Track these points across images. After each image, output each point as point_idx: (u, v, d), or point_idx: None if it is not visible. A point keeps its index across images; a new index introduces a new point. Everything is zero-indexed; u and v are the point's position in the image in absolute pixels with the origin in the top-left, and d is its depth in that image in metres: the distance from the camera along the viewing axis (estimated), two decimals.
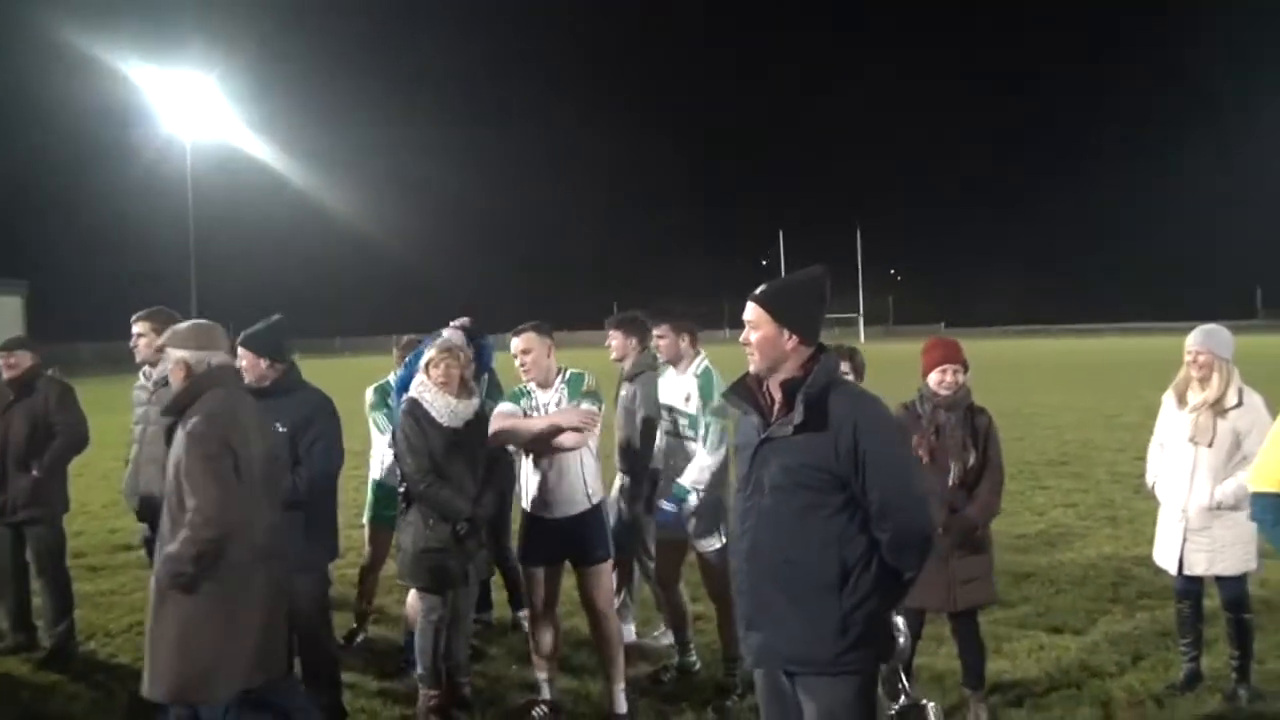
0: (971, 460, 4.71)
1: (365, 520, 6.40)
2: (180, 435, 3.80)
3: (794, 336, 3.09)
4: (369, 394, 6.32)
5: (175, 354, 3.98)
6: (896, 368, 12.25)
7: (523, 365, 5.04)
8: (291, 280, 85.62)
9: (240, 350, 4.82)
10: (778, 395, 3.13)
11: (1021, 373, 29.74)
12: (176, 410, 3.89)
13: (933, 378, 4.79)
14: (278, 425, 4.73)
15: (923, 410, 4.79)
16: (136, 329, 5.64)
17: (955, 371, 4.76)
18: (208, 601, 3.74)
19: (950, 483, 4.68)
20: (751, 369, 3.18)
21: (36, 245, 74.82)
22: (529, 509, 5.07)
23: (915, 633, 4.81)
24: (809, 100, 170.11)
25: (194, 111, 53.03)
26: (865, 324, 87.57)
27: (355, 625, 6.35)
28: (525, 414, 4.98)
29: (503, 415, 4.98)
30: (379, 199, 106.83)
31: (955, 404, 4.75)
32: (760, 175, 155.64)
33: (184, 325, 4.11)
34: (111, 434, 9.02)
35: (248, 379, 4.77)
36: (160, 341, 4.04)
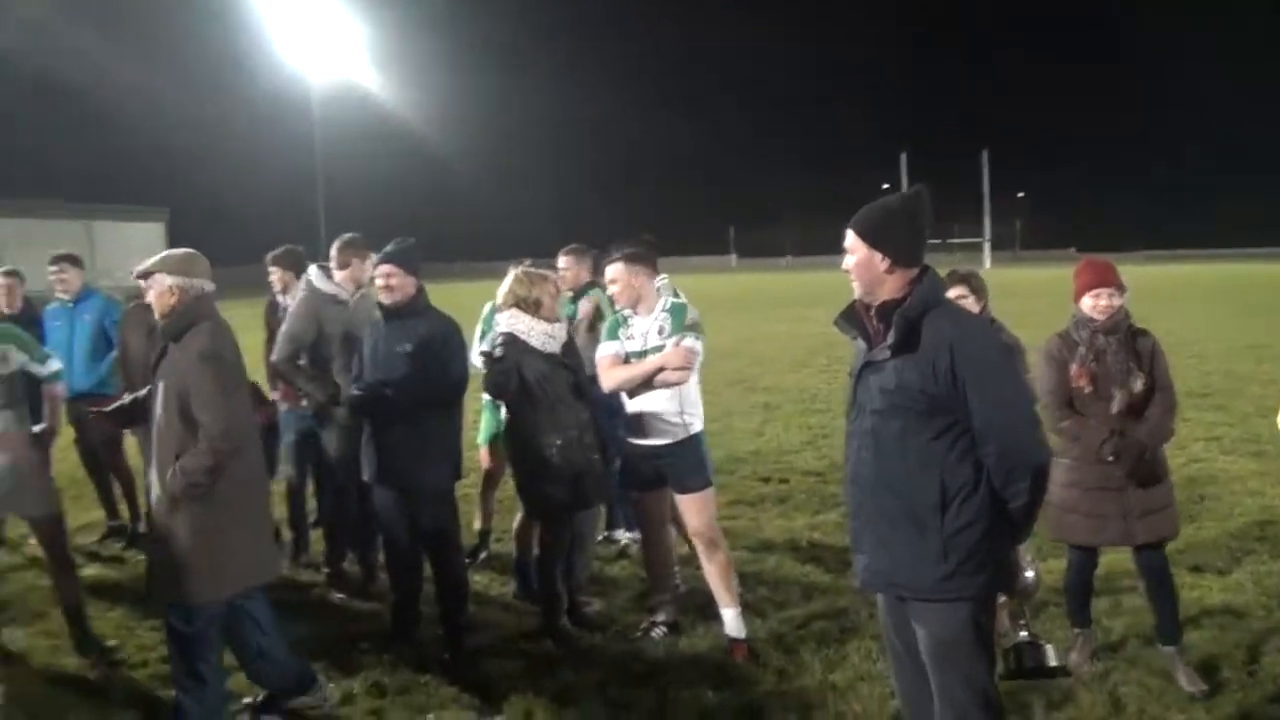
0: (1139, 385, 4.46)
1: (481, 441, 6.49)
2: (184, 357, 4.01)
3: (887, 259, 3.05)
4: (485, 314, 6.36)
5: (167, 280, 4.12)
6: (1023, 294, 11.77)
7: (612, 294, 5.08)
8: (412, 206, 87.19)
9: (386, 268, 4.94)
10: (879, 320, 3.09)
11: (1157, 300, 28.37)
12: (173, 335, 4.09)
13: (1086, 302, 4.54)
14: (405, 345, 4.84)
15: (1079, 336, 4.54)
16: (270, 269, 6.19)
17: (1110, 295, 4.50)
18: (221, 507, 4.02)
19: (1115, 409, 4.45)
20: (855, 294, 3.15)
21: (175, 175, 77.82)
22: (626, 435, 5.09)
23: (1085, 574, 4.67)
24: (934, 17, 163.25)
25: (319, 44, 54.10)
26: (991, 249, 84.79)
27: (477, 543, 6.51)
28: (623, 348, 4.97)
29: (607, 361, 4.99)
30: (494, 127, 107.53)
31: (1114, 328, 4.50)
32: (882, 96, 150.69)
33: (176, 253, 4.23)
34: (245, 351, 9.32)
35: (392, 297, 4.92)
36: (146, 267, 4.18)
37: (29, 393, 5.28)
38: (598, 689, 4.59)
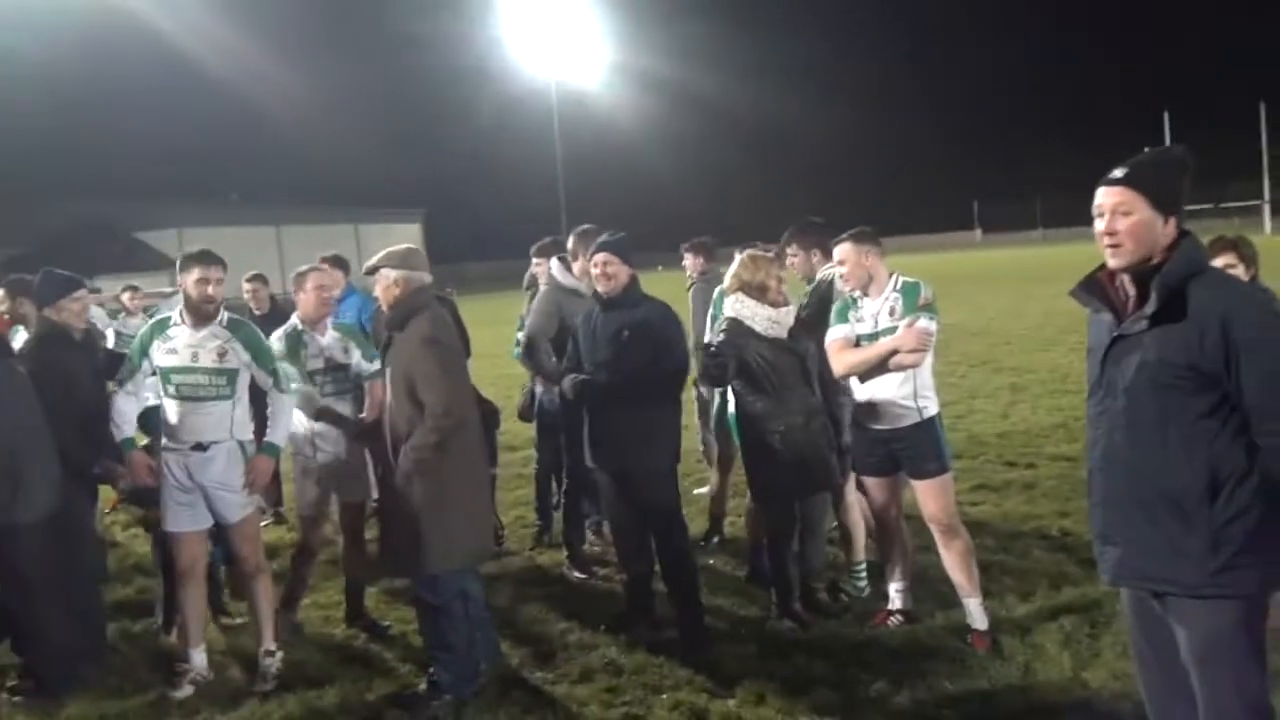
0: None
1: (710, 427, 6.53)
2: (408, 343, 4.34)
3: (1171, 219, 2.77)
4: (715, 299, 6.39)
5: (391, 274, 4.47)
6: None
7: (842, 276, 4.94)
8: (652, 198, 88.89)
9: (602, 256, 5.06)
10: (1133, 289, 2.83)
11: None
12: (398, 324, 4.41)
13: None
14: (622, 333, 4.95)
15: None
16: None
17: None
18: (449, 484, 4.34)
19: None
20: (1112, 263, 2.85)
21: (430, 178, 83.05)
22: (858, 419, 4.97)
23: None
24: None
25: (559, 44, 56.13)
26: (1271, 213, 76.90)
27: (710, 527, 6.57)
28: (853, 330, 4.84)
29: (837, 345, 4.88)
30: (727, 112, 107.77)
31: None
32: (1139, 51, 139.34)
33: (398, 249, 4.59)
34: (494, 345, 9.78)
35: (608, 286, 5.03)
36: (373, 263, 4.56)
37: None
38: (831, 676, 4.53)
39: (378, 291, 4.59)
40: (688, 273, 7.41)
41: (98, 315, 8.89)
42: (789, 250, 5.87)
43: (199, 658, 4.94)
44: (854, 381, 4.92)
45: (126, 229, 48.91)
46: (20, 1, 43.47)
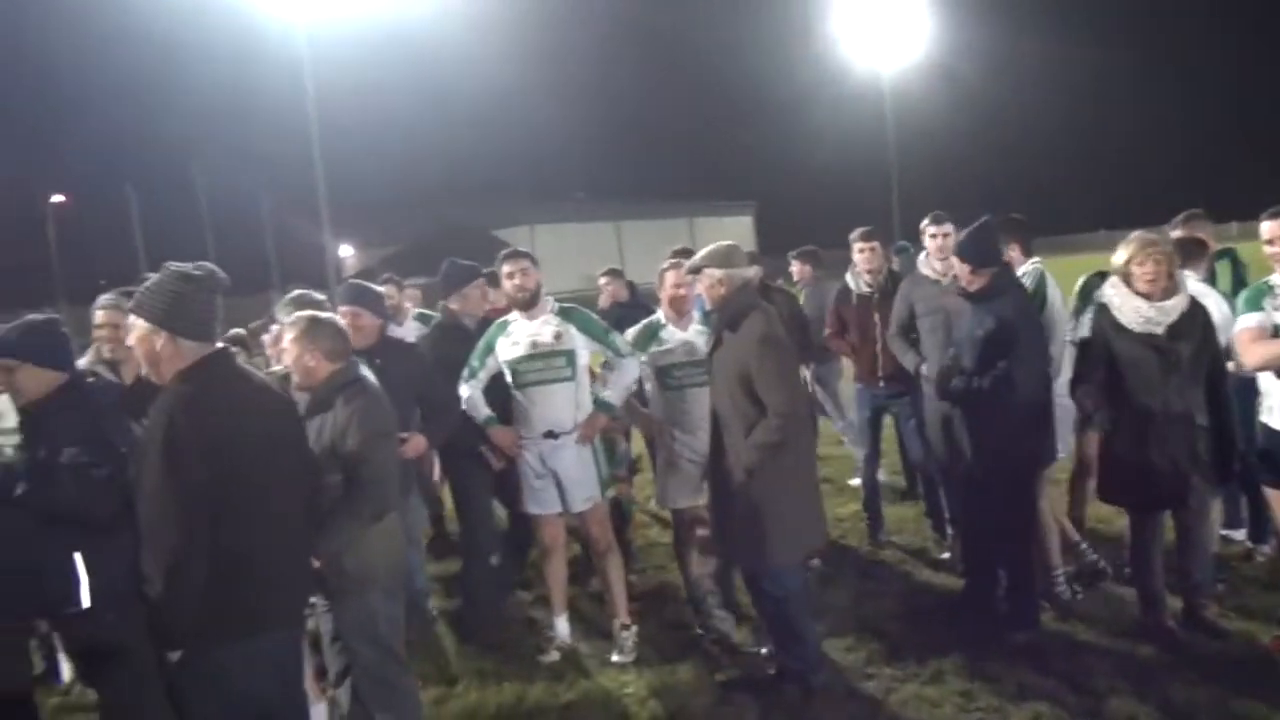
0: None
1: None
2: (742, 342, 4.36)
3: None
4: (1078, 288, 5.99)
5: (715, 273, 4.47)
6: None
7: (1271, 255, 4.48)
8: (991, 183, 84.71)
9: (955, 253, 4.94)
10: None
11: None
12: (730, 323, 4.43)
13: None
14: (983, 325, 4.76)
15: None
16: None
17: None
18: (788, 478, 4.40)
19: None
20: None
21: (761, 170, 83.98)
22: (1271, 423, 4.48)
23: None
24: None
25: (888, 32, 54.66)
26: None
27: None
28: (1270, 319, 4.33)
29: (1249, 334, 4.38)
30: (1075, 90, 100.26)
31: None
32: None
33: (720, 246, 4.57)
34: None
35: (972, 285, 4.89)
36: (695, 262, 4.61)
37: None
38: (1216, 702, 4.13)
39: (701, 290, 4.65)
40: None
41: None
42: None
43: (563, 625, 5.31)
44: (1266, 377, 4.43)
45: (485, 228, 53.19)
46: (414, 28, 47.95)
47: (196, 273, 3.23)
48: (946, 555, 6.12)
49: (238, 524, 3.08)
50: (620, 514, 6.39)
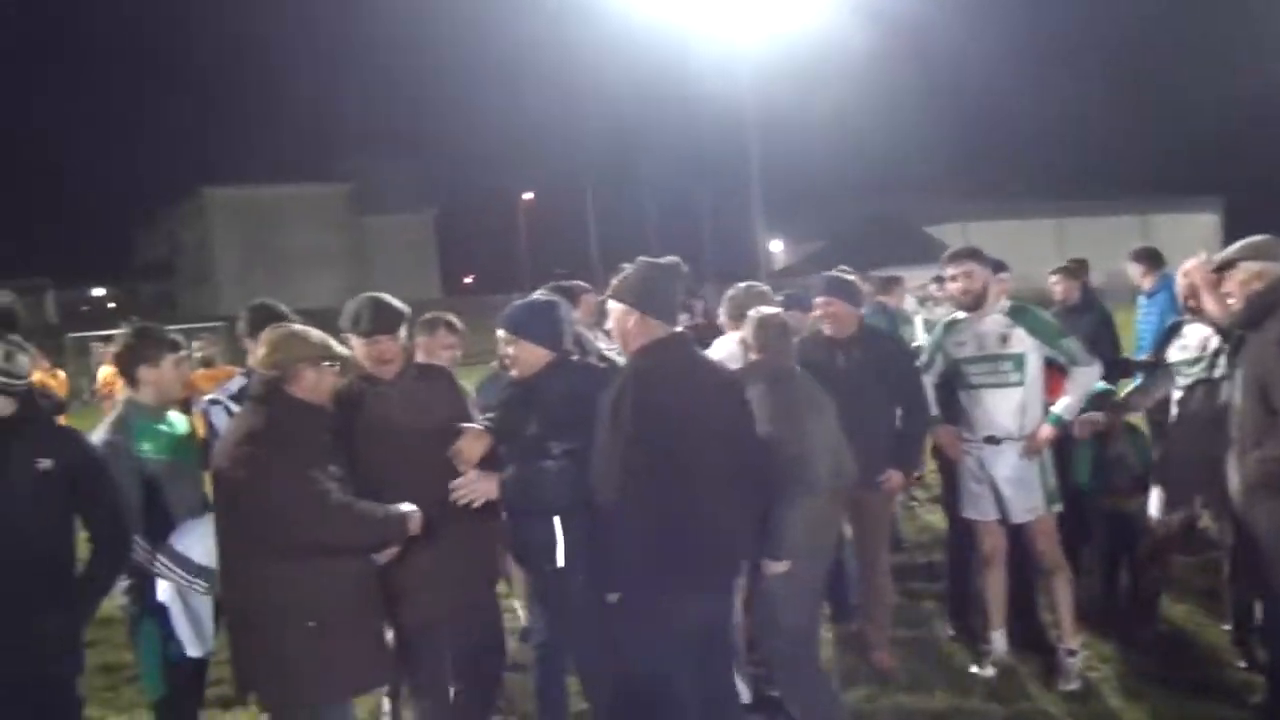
0: None
1: None
2: (1264, 344, 3.83)
3: None
4: None
5: (1254, 266, 4.00)
6: None
7: None
8: None
9: None
10: None
11: None
12: (1254, 321, 3.92)
13: None
14: None
15: None
16: None
17: None
18: None
19: None
20: None
21: (1230, 162, 74.40)
22: None
23: None
24: None
25: None
26: None
27: None
28: None
29: None
30: None
31: None
32: None
33: (1256, 239, 4.11)
34: None
35: None
36: (1227, 255, 4.17)
37: None
38: None
39: (1231, 286, 4.13)
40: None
41: (909, 303, 9.54)
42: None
43: (1000, 640, 5.06)
44: None
45: (916, 223, 51.90)
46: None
47: (664, 263, 3.71)
48: None
49: (671, 484, 3.45)
50: None
